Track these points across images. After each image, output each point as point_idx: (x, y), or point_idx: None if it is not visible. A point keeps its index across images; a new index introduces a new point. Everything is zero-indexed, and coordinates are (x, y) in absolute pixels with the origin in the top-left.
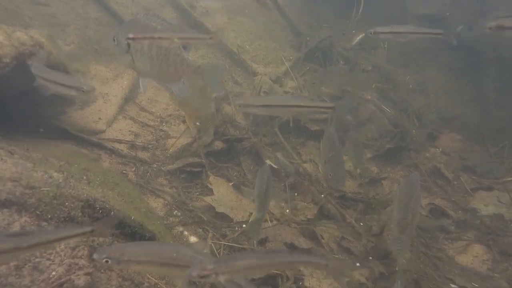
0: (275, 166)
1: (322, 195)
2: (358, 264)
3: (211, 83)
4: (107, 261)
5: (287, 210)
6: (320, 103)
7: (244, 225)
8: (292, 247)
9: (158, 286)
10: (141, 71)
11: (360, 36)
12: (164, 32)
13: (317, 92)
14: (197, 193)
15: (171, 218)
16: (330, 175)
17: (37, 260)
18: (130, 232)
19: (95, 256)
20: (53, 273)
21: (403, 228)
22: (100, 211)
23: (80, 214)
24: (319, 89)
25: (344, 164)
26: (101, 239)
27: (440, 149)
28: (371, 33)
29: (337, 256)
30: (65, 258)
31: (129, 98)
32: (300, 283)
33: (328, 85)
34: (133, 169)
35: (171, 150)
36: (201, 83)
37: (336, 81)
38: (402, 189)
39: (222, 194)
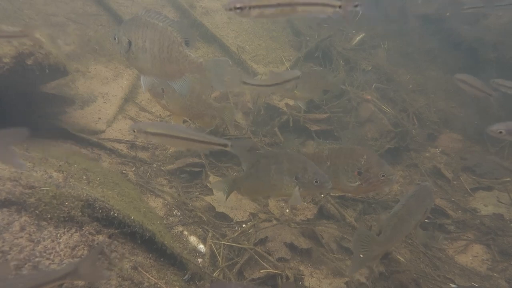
0: None
1: (322, 195)
2: None
3: (214, 80)
4: None
5: (287, 210)
6: None
7: (244, 225)
8: (292, 247)
9: (158, 285)
10: (143, 69)
11: (360, 36)
12: None
13: (291, 97)
14: (197, 193)
15: (171, 218)
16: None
17: (36, 259)
18: (129, 232)
19: None
20: None
21: (382, 227)
22: (100, 211)
23: (80, 213)
24: (292, 93)
25: None
26: (101, 238)
27: (440, 149)
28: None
29: (337, 256)
30: (64, 257)
31: (129, 98)
32: (300, 283)
33: (300, 89)
34: (133, 169)
35: (171, 150)
36: (197, 86)
37: (310, 84)
38: (406, 196)
39: (222, 194)
